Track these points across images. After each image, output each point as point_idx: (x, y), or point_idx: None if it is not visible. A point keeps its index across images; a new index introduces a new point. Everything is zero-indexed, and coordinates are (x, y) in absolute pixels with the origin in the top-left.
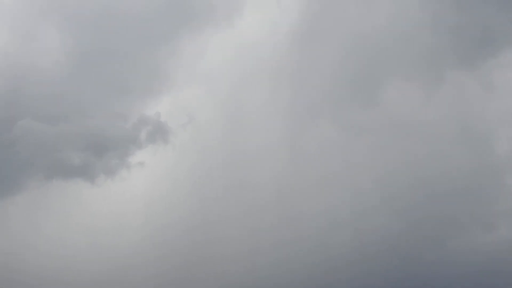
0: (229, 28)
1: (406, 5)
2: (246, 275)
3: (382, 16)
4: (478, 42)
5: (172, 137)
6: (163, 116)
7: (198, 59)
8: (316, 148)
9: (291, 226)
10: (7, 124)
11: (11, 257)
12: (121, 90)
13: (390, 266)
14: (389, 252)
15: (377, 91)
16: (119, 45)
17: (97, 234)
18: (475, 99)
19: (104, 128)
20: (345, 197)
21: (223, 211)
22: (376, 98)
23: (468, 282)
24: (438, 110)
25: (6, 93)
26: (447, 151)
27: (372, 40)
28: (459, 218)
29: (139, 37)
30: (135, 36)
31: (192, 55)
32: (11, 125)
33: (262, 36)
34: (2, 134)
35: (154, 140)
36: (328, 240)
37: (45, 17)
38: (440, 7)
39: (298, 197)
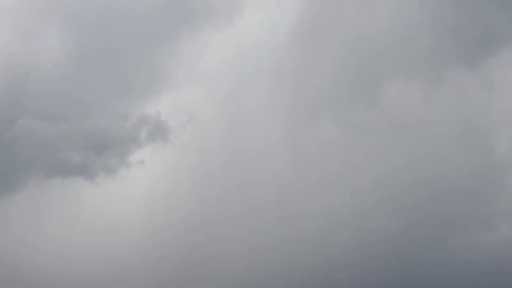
0: (229, 28)
1: (406, 5)
2: (246, 275)
3: (382, 15)
4: (478, 42)
5: (172, 136)
6: (163, 115)
7: (198, 58)
8: (316, 148)
9: (291, 226)
10: (7, 123)
11: (10, 256)
12: (121, 89)
13: (391, 266)
14: (390, 252)
15: (378, 91)
16: (119, 45)
17: (97, 233)
18: (475, 99)
19: (104, 127)
20: (345, 197)
21: (223, 211)
22: (376, 98)
23: (468, 281)
24: (439, 110)
25: (6, 92)
26: (447, 151)
27: (372, 39)
28: (459, 217)
29: (140, 36)
30: (136, 35)
31: (192, 55)
32: (11, 124)
33: (262, 36)
34: (2, 133)
35: (154, 139)
36: (328, 240)
37: (45, 16)
38: (440, 7)
39: (298, 197)
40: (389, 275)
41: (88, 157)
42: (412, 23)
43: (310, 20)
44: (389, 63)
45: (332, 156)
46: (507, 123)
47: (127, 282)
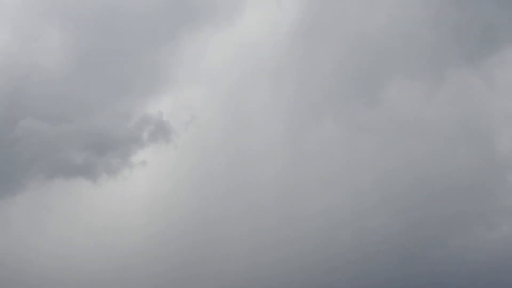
0: (229, 27)
1: (407, 4)
2: (246, 275)
3: (383, 15)
4: (479, 41)
5: (174, 137)
6: (165, 116)
7: (199, 58)
8: (316, 148)
9: (291, 225)
10: (9, 123)
11: (12, 256)
12: (122, 90)
13: (391, 266)
14: (390, 252)
15: (378, 91)
16: (121, 45)
17: (98, 233)
18: (476, 98)
19: (106, 128)
20: (346, 196)
21: (224, 211)
22: (377, 98)
23: (470, 280)
24: (440, 109)
25: (7, 93)
26: (448, 150)
27: (373, 39)
28: (460, 217)
29: (141, 36)
30: (136, 35)
31: (193, 55)
32: (12, 125)
33: (263, 36)
34: (3, 134)
35: (156, 139)
36: (328, 239)
37: (46, 17)
38: (441, 5)
39: (299, 196)
40: (390, 275)
41: (89, 157)
42: (413, 22)
43: (310, 19)
44: (390, 62)
45: (332, 155)
46: (509, 122)
47: (128, 282)
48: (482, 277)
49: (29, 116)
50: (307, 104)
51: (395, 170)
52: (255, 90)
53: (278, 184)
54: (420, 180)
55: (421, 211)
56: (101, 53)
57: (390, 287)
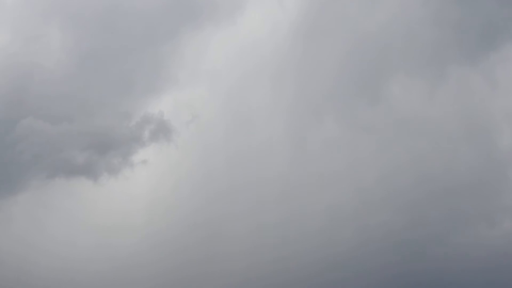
0: (231, 26)
1: (408, 2)
2: (249, 273)
3: (384, 13)
4: (480, 38)
5: (175, 136)
6: (166, 115)
7: (200, 57)
8: (318, 146)
9: (294, 223)
10: (10, 123)
11: (13, 256)
12: (124, 89)
13: (394, 263)
14: (393, 249)
15: (380, 88)
16: (122, 44)
17: (100, 233)
18: (478, 95)
19: (107, 127)
20: (349, 193)
21: (226, 209)
22: (378, 96)
23: (472, 277)
24: (441, 107)
25: (9, 92)
26: (450, 147)
27: (374, 37)
28: (462, 214)
29: (141, 35)
30: (137, 34)
31: (194, 54)
32: (14, 125)
33: (264, 34)
34: (5, 134)
35: (157, 138)
36: (332, 236)
37: (47, 17)
38: (442, 3)
39: (301, 194)
40: (392, 272)
41: (90, 157)
42: (414, 20)
43: (311, 18)
44: (391, 60)
45: (334, 154)
46: (510, 119)
47: (131, 281)
48: (484, 274)
49: (30, 115)
50: (308, 103)
51: (396, 168)
52: (256, 89)
53: (280, 182)
54: (421, 178)
55: (422, 209)
56: (102, 53)
57: (392, 284)
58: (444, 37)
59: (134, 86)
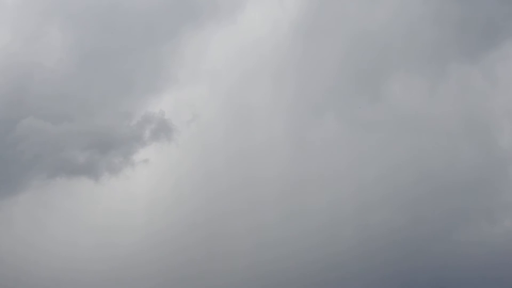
0: (231, 25)
1: (408, 0)
2: (251, 271)
3: (384, 11)
4: (480, 35)
5: (176, 135)
6: (167, 114)
7: (201, 56)
8: (319, 144)
9: (296, 221)
10: (11, 123)
11: (14, 256)
12: (124, 89)
13: (395, 260)
14: (394, 246)
15: (380, 86)
16: (122, 44)
17: (101, 232)
18: (478, 92)
19: (107, 127)
20: (349, 192)
21: (227, 208)
22: (379, 93)
23: (473, 273)
24: (442, 104)
25: (9, 92)
26: (450, 144)
27: (374, 35)
28: (463, 211)
29: (142, 35)
30: (138, 34)
31: (195, 53)
32: (14, 124)
33: (265, 33)
34: (5, 133)
35: (158, 138)
36: (333, 234)
37: (47, 16)
38: (442, 1)
39: (302, 192)
40: (393, 269)
41: (91, 156)
42: (414, 18)
43: (312, 16)
44: (392, 58)
45: (335, 152)
46: (510, 117)
47: (131, 281)
48: (485, 271)
49: (30, 115)
50: (309, 101)
51: (397, 166)
52: (257, 88)
53: (281, 180)
54: (422, 175)
55: (423, 207)
56: (102, 52)
57: (393, 281)
58: (444, 35)
59: (135, 86)
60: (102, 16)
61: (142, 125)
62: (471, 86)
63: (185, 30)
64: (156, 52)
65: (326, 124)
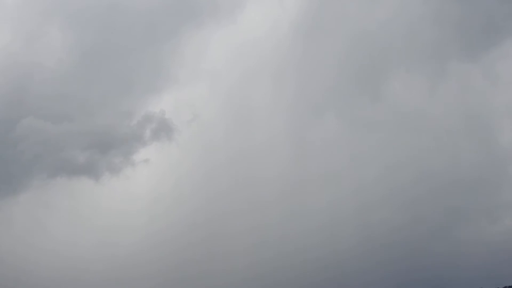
0: (231, 25)
1: None
2: (251, 270)
3: (384, 10)
4: (480, 34)
5: (176, 135)
6: (167, 114)
7: (201, 56)
8: (319, 144)
9: (296, 220)
10: (11, 123)
11: (14, 256)
12: (124, 88)
13: (395, 259)
14: (394, 245)
15: (381, 85)
16: (122, 43)
17: (101, 232)
18: (478, 91)
19: (108, 126)
20: (349, 191)
21: (228, 207)
22: (379, 92)
23: (474, 272)
24: (442, 103)
25: (9, 92)
26: (451, 143)
27: (374, 34)
28: (464, 210)
29: (142, 35)
30: (138, 34)
31: (195, 52)
32: (14, 124)
33: (265, 33)
34: (6, 133)
35: (158, 137)
36: (334, 233)
37: (48, 16)
38: (442, 1)
39: (303, 191)
40: (394, 268)
41: (92, 156)
42: (414, 17)
43: (312, 16)
44: (392, 57)
45: (335, 151)
46: (510, 115)
47: (132, 280)
48: (485, 269)
49: (30, 115)
50: (309, 101)
51: (397, 165)
52: (257, 87)
53: (281, 180)
54: (422, 174)
55: (423, 206)
56: (102, 52)
57: (393, 280)
58: (444, 34)
59: (135, 86)
60: (102, 16)
61: (142, 124)
62: (471, 85)
63: (185, 30)
64: (156, 52)
65: (326, 124)
